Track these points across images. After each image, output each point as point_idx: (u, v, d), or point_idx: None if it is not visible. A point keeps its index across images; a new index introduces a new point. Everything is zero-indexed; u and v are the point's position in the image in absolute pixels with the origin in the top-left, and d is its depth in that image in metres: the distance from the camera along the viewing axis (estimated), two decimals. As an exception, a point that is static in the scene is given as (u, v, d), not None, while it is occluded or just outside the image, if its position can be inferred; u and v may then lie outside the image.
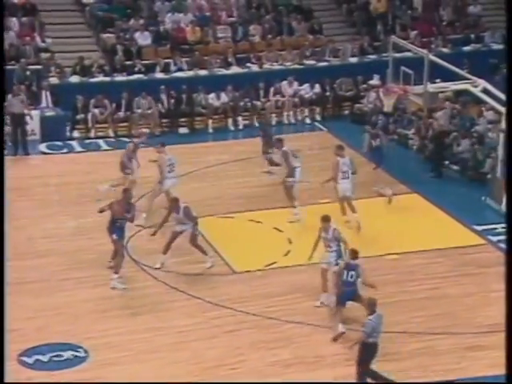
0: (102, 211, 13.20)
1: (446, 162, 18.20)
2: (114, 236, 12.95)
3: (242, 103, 21.28)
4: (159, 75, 21.77)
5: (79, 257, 13.95)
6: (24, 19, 22.14)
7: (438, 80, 18.70)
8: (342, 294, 11.60)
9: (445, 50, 23.40)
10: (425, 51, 18.66)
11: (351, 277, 11.58)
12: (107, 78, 21.34)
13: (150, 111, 20.62)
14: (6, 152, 17.41)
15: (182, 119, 20.96)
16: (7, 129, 18.73)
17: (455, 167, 18.10)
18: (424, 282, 13.26)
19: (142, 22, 22.99)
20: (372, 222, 15.03)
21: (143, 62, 21.99)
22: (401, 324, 11.99)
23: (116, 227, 12.96)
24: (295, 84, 21.68)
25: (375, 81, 21.65)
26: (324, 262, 12.42)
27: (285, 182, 15.32)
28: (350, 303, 11.73)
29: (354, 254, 11.75)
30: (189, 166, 17.72)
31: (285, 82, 21.58)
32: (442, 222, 15.46)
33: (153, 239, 14.16)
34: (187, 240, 13.50)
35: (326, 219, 12.47)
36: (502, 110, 15.98)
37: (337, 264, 12.26)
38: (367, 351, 10.23)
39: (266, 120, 19.16)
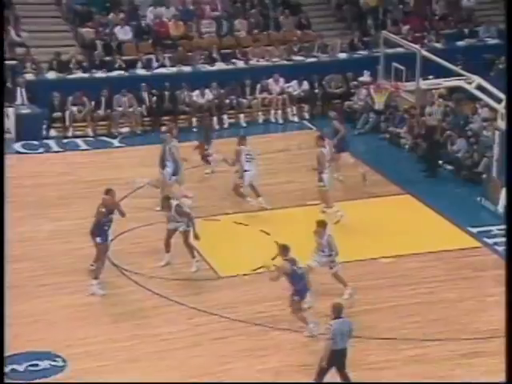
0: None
1: (440, 162, 18.23)
2: (99, 239, 12.86)
3: (227, 101, 21.23)
4: (141, 72, 21.68)
5: (56, 261, 13.85)
6: (-3, 12, 22.01)
7: (430, 76, 18.72)
8: (299, 288, 11.76)
9: (438, 45, 23.45)
10: (417, 46, 18.67)
11: (299, 269, 11.81)
12: (86, 75, 21.23)
13: (131, 109, 20.53)
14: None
15: (165, 118, 20.88)
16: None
17: (449, 167, 18.13)
18: (419, 286, 13.26)
19: (122, 15, 22.89)
20: (364, 224, 15.01)
21: (124, 57, 21.89)
22: (394, 330, 11.98)
23: (102, 230, 12.87)
24: (281, 81, 21.68)
25: (366, 77, 21.68)
26: (314, 261, 12.45)
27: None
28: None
29: (286, 250, 11.84)
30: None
31: (271, 80, 21.58)
32: (436, 223, 15.46)
33: (136, 242, 14.09)
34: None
35: (321, 225, 12.49)
36: (497, 107, 16.04)
37: (331, 268, 12.52)
38: (328, 357, 10.18)
39: (206, 123, 18.80)
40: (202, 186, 16.84)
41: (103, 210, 12.96)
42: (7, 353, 11.08)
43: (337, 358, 10.25)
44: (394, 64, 18.31)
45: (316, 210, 15.15)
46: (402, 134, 19.70)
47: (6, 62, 20.68)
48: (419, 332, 11.98)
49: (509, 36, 14.93)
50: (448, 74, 17.98)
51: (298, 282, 11.68)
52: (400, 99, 20.04)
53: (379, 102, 18.92)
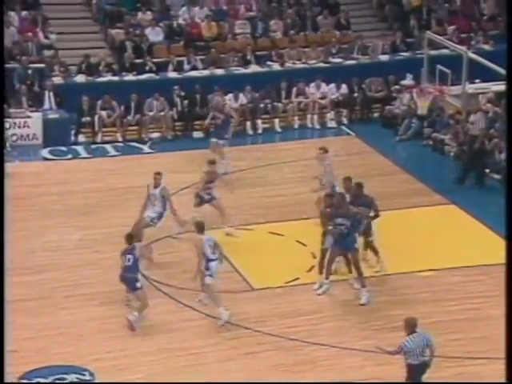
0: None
1: (487, 171, 18.17)
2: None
3: (261, 105, 21.38)
4: (172, 74, 21.94)
5: (83, 272, 14.04)
6: (25, 13, 22.45)
7: (477, 80, 18.74)
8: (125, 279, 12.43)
9: (486, 46, 23.35)
10: (463, 48, 18.74)
11: (129, 260, 12.34)
12: (115, 78, 21.53)
13: (161, 114, 20.78)
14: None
15: (197, 122, 21.10)
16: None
17: (497, 176, 18.04)
18: (463, 301, 13.23)
19: (153, 16, 23.20)
20: (406, 235, 15.01)
21: (154, 60, 22.17)
22: (436, 347, 11.96)
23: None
24: (323, 86, 21.72)
25: (408, 81, 21.68)
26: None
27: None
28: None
29: (129, 239, 12.54)
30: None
31: (312, 84, 21.63)
32: (482, 235, 15.41)
33: (163, 253, 14.28)
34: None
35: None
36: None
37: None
38: (407, 372, 10.47)
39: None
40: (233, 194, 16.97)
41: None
42: (33, 366, 11.36)
43: (416, 373, 10.41)
44: (439, 67, 18.40)
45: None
46: (447, 141, 19.64)
47: (34, 66, 21.12)
48: (462, 350, 11.95)
49: (509, 37, 14.90)
50: (496, 77, 17.96)
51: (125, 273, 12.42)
52: (445, 104, 20.05)
53: (422, 107, 19.01)
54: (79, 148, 19.97)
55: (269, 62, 22.62)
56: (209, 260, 12.63)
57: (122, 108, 20.63)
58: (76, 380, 11.28)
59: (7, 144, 18.87)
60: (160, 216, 14.26)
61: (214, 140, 18.21)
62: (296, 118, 21.56)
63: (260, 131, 21.10)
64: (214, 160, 15.86)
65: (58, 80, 21.10)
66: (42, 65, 21.44)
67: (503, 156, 18.19)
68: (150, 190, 14.35)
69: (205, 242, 12.71)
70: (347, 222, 12.98)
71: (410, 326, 10.46)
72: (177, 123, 21.07)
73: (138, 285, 12.45)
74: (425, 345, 10.46)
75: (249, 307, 13.07)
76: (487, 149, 18.39)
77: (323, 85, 21.73)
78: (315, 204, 15.09)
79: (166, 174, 17.11)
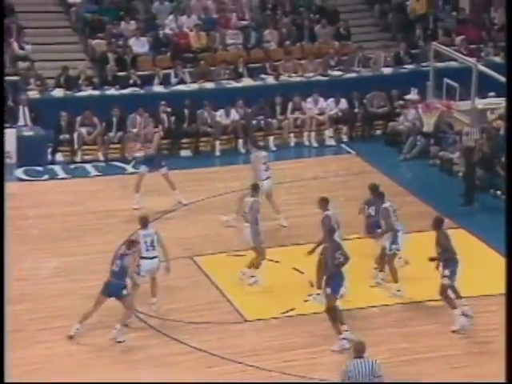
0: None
1: (498, 192, 18.30)
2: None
3: (254, 121, 21.52)
4: (158, 88, 22.09)
5: (60, 303, 14.07)
6: (-2, 22, 22.58)
7: (490, 94, 18.89)
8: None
9: (496, 58, 23.60)
10: (473, 60, 18.90)
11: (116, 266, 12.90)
12: (96, 92, 21.67)
13: (146, 130, 20.85)
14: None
15: (185, 140, 21.22)
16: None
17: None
18: (474, 334, 13.29)
19: (137, 25, 23.38)
20: (410, 261, 15.07)
21: (139, 72, 22.34)
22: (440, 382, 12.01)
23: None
24: (321, 101, 21.89)
25: (413, 95, 21.83)
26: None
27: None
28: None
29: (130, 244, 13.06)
30: (192, 194, 17.90)
31: (309, 99, 21.80)
32: (494, 262, 15.47)
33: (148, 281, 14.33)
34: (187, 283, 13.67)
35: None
36: None
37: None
38: None
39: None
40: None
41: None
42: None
43: None
44: (446, 80, 18.55)
45: (357, 244, 15.27)
46: (455, 160, 19.79)
47: (8, 78, 21.18)
48: (475, 386, 12.02)
49: (509, 38, 15.07)
50: (508, 91, 18.09)
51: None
52: (452, 120, 20.20)
53: (428, 124, 19.15)
54: (57, 168, 20.05)
55: (262, 75, 22.79)
56: (141, 257, 13.00)
57: (104, 124, 20.74)
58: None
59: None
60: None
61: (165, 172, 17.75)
62: (292, 135, 21.69)
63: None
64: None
65: (33, 94, 21.22)
66: (17, 77, 21.55)
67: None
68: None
69: (141, 237, 13.12)
70: None
71: (357, 351, 10.34)
72: (163, 141, 21.14)
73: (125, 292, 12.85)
74: (371, 374, 10.26)
75: (241, 340, 13.10)
76: (494, 164, 18.48)
77: (321, 100, 21.88)
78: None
79: (150, 196, 17.26)
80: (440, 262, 13.43)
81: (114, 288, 12.85)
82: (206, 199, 17.74)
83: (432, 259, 13.46)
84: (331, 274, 12.78)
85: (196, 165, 19.76)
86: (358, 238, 15.63)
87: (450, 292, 13.35)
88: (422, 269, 14.83)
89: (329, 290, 12.77)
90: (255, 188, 15.02)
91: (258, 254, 14.55)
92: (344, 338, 12.68)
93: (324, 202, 14.47)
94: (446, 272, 13.22)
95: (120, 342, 12.84)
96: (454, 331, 13.11)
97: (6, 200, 16.17)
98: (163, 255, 13.67)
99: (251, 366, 12.42)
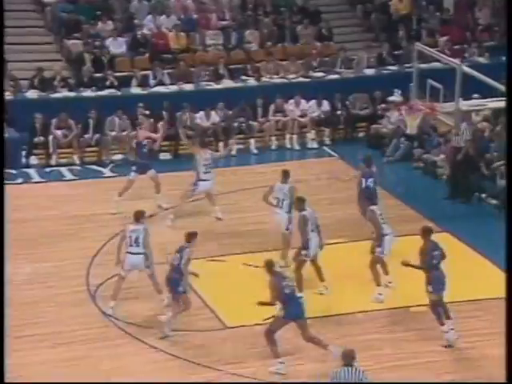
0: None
1: (483, 195, 18.44)
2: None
3: (235, 124, 21.58)
4: (136, 90, 22.10)
5: (35, 310, 14.05)
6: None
7: (474, 96, 19.00)
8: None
9: (481, 59, 23.82)
10: (457, 61, 19.00)
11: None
12: (72, 94, 21.66)
13: (124, 133, 20.88)
14: None
15: (164, 143, 21.21)
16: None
17: (494, 201, 18.29)
18: (458, 340, 13.30)
19: (114, 25, 23.38)
20: (393, 267, 15.15)
21: (116, 74, 22.34)
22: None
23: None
24: (303, 103, 21.96)
25: (396, 97, 21.99)
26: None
27: None
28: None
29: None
30: (172, 198, 17.90)
31: (291, 102, 21.87)
32: (479, 266, 15.61)
33: (126, 288, 14.31)
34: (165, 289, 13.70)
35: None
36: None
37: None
38: None
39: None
40: (203, 221, 17.06)
41: None
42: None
43: None
44: (430, 81, 18.61)
45: (338, 249, 15.34)
46: (439, 163, 19.92)
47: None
48: (458, 392, 12.11)
49: (509, 38, 15.21)
50: (493, 93, 18.24)
51: None
52: (437, 122, 20.32)
53: (412, 126, 19.21)
54: (31, 171, 20.02)
55: (243, 77, 22.84)
56: (126, 252, 13.32)
57: (80, 127, 20.72)
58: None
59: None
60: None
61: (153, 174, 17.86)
62: (273, 138, 21.76)
63: (234, 152, 21.24)
64: None
65: (7, 95, 21.13)
66: (-11, 79, 21.51)
67: (502, 180, 18.48)
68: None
69: (128, 231, 13.50)
70: None
71: (345, 357, 10.40)
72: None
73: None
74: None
75: (222, 347, 13.12)
76: (479, 166, 18.62)
77: (303, 101, 21.96)
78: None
79: (129, 200, 17.24)
80: (415, 269, 13.36)
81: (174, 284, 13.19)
82: (186, 203, 17.71)
83: (406, 264, 13.37)
84: None
85: (176, 168, 19.72)
86: (341, 242, 15.70)
87: (439, 309, 13.27)
88: (405, 274, 14.93)
89: None
90: (286, 174, 15.39)
91: (285, 243, 15.07)
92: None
93: (300, 202, 14.52)
94: (429, 288, 13.23)
95: (163, 337, 13.05)
96: (445, 346, 13.13)
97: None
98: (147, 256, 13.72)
99: (233, 373, 12.44)
